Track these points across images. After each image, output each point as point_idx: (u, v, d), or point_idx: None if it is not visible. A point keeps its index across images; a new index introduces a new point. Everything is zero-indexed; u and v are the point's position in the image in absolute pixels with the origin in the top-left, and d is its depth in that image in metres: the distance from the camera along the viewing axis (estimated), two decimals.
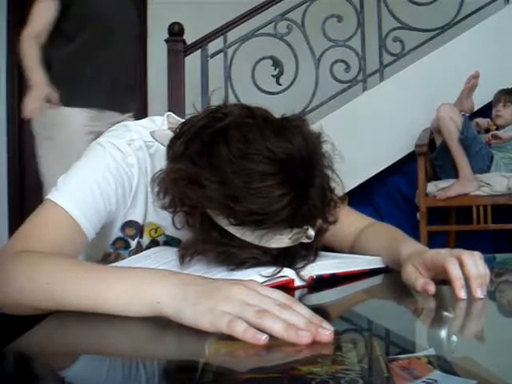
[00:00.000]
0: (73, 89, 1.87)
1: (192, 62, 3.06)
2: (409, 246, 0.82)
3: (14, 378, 0.47)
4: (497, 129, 2.90)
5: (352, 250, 0.98)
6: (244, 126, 0.73)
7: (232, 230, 0.71)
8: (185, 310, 0.56)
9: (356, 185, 3.01)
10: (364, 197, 3.11)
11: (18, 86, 4.03)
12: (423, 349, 0.50)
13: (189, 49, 3.04)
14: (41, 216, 0.79)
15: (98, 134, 0.93)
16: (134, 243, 0.91)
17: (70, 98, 1.86)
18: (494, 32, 3.09)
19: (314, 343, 0.50)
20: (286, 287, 0.73)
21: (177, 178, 0.72)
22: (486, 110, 3.02)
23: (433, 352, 0.48)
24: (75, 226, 0.78)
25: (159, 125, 0.92)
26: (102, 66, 1.90)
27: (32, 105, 1.77)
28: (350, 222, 0.98)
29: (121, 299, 0.61)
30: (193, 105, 0.82)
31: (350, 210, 1.02)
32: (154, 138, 0.88)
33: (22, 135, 4.06)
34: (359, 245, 0.96)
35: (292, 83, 3.06)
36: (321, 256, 0.81)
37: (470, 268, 0.69)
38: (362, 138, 3.00)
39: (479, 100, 2.95)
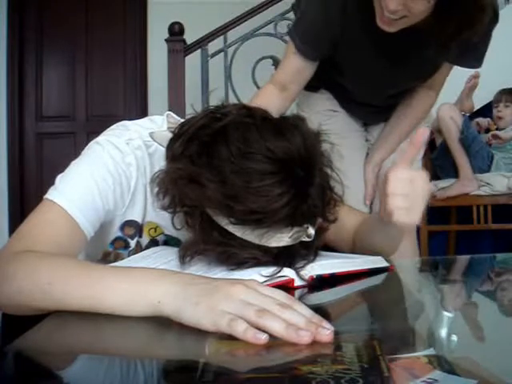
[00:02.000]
0: None
1: (192, 61, 3.06)
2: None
3: (14, 377, 0.47)
4: (497, 129, 2.89)
5: (354, 247, 0.98)
6: (243, 126, 0.73)
7: (232, 229, 0.71)
8: (185, 309, 0.56)
9: None
10: None
11: (18, 86, 4.03)
12: (423, 349, 0.50)
13: (189, 49, 3.04)
14: (39, 215, 0.79)
15: None
16: (133, 243, 0.91)
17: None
18: (494, 32, 3.08)
19: (314, 343, 0.50)
20: (286, 287, 0.73)
21: (176, 178, 0.72)
22: (486, 110, 3.01)
23: (433, 352, 0.48)
24: (74, 224, 0.78)
25: (159, 124, 0.92)
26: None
27: None
28: (349, 220, 0.99)
29: (121, 299, 0.61)
30: (191, 106, 0.83)
31: (350, 209, 1.02)
32: (153, 139, 0.88)
33: (22, 135, 4.06)
34: (359, 240, 0.97)
35: None
36: (321, 256, 0.82)
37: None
38: None
39: (479, 100, 2.95)
